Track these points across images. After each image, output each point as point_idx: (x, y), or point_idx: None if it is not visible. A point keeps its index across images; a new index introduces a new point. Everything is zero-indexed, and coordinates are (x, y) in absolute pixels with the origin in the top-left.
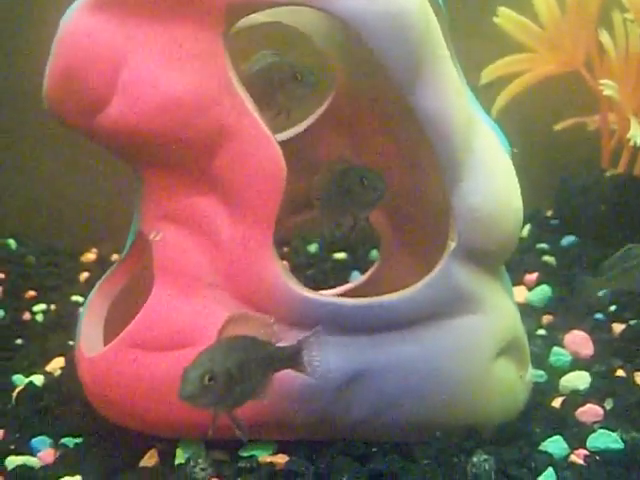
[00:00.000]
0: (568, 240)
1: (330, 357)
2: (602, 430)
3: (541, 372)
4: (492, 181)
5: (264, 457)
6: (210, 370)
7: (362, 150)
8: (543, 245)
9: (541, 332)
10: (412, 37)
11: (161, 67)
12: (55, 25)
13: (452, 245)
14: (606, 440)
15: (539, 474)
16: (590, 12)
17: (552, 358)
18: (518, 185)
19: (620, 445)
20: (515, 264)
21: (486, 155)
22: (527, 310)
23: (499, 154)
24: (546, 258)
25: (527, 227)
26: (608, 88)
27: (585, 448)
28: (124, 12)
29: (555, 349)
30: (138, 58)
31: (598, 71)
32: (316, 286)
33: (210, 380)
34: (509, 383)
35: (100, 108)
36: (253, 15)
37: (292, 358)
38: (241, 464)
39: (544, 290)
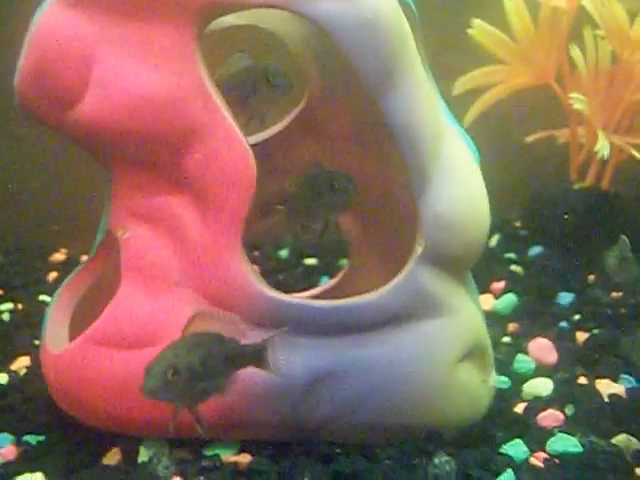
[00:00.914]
0: (535, 250)
1: (296, 358)
2: (562, 434)
3: (505, 378)
4: (459, 188)
5: (228, 456)
6: (173, 365)
7: (334, 154)
8: (511, 255)
9: (506, 339)
10: (385, 43)
11: (133, 65)
12: (27, 21)
13: (418, 250)
14: (565, 444)
15: (498, 475)
16: (562, 27)
17: (516, 365)
18: (485, 193)
19: (579, 449)
20: (483, 273)
21: (454, 162)
22: (493, 318)
23: (467, 162)
24: (513, 267)
25: (496, 237)
26: (577, 102)
27: (545, 451)
28: (97, 9)
29: (519, 356)
30: (110, 55)
31: (569, 85)
32: (286, 291)
33: (173, 375)
34: (472, 387)
35: (71, 104)
36: (229, 17)
37: (256, 356)
38: (204, 463)
39: (510, 298)
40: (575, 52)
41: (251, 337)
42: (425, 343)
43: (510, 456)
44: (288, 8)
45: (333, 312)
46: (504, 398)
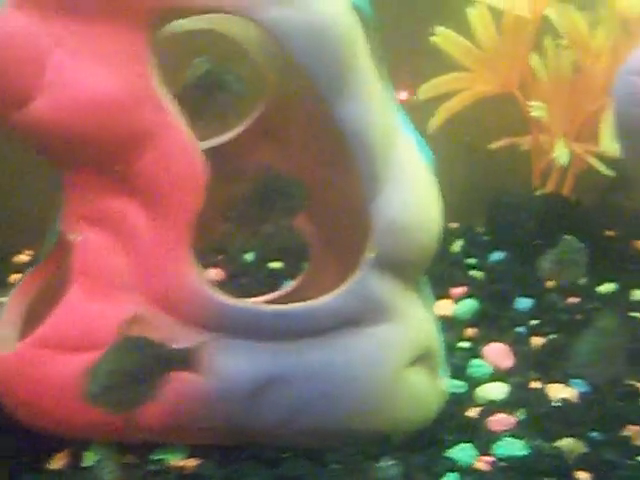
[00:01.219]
0: (497, 256)
1: (242, 362)
2: (510, 438)
3: (461, 382)
4: (411, 195)
5: (176, 461)
6: (108, 371)
7: (291, 159)
8: (472, 260)
9: (463, 344)
10: (336, 51)
11: (85, 68)
12: None
13: (369, 255)
14: (512, 447)
15: (441, 478)
16: (525, 36)
17: (472, 369)
18: (438, 199)
19: (525, 452)
20: (443, 278)
21: (406, 169)
22: (452, 323)
23: (420, 169)
24: (474, 273)
25: (459, 242)
26: (536, 109)
27: (492, 455)
28: (51, 12)
29: (475, 361)
30: (62, 57)
31: (531, 93)
32: (249, 295)
33: (108, 381)
34: (421, 392)
35: (22, 105)
36: (190, 22)
37: (188, 360)
38: (150, 467)
39: (470, 304)
40: (535, 60)
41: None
42: (374, 348)
43: (456, 460)
44: (239, 14)
45: (280, 317)
46: (457, 402)
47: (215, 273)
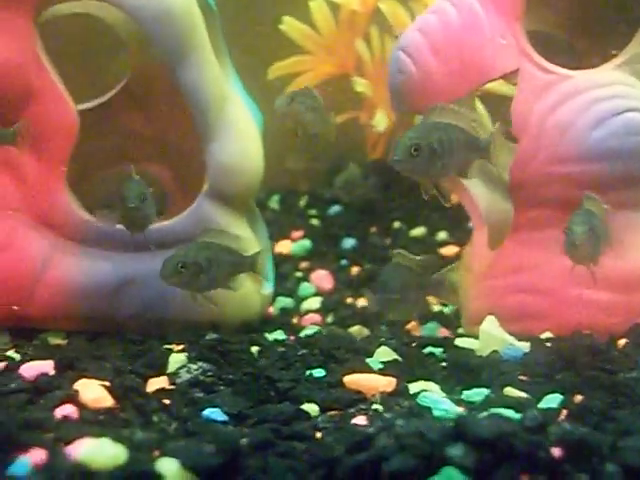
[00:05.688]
0: (334, 209)
1: (105, 266)
2: (312, 326)
3: (289, 299)
4: (238, 144)
5: (55, 341)
6: (183, 260)
7: (154, 120)
8: (313, 211)
9: (297, 274)
10: (178, 27)
11: None
12: None
13: (205, 188)
14: (312, 331)
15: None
16: (359, 25)
17: (300, 291)
18: (260, 148)
19: (319, 334)
20: (285, 224)
21: (236, 123)
22: (290, 258)
23: (248, 123)
24: (313, 221)
25: (305, 198)
26: (359, 85)
27: (296, 336)
28: None
29: (304, 284)
30: None
31: (365, 75)
32: None
33: (182, 267)
34: (247, 294)
35: None
36: (66, 6)
37: (252, 264)
38: (34, 342)
39: (305, 243)
40: (361, 46)
41: (71, 252)
42: None
43: (270, 338)
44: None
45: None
46: (285, 312)
47: None
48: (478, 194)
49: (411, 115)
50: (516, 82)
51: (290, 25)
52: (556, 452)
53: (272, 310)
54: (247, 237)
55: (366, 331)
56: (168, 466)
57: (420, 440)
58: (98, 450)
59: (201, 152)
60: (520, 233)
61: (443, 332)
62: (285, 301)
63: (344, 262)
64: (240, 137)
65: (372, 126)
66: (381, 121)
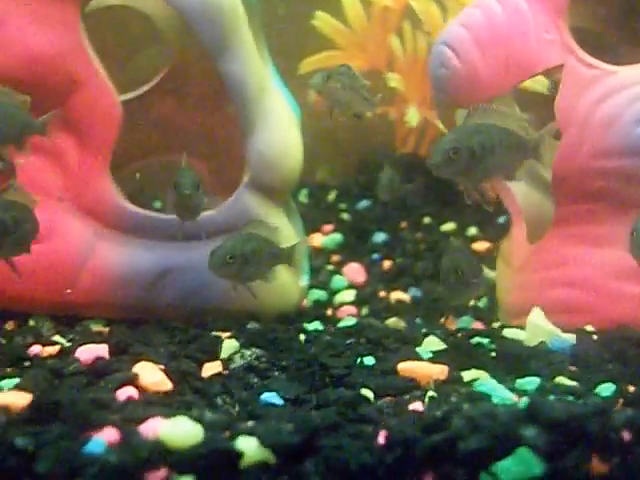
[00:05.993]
0: (364, 204)
1: (147, 255)
2: (349, 318)
3: (323, 292)
4: (277, 134)
5: (97, 328)
6: (231, 251)
7: (188, 111)
8: (343, 205)
9: (329, 267)
10: (222, 21)
11: (27, 28)
12: None
13: (245, 179)
14: (349, 322)
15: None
16: (391, 21)
17: (333, 283)
18: (300, 140)
19: (357, 326)
20: (317, 218)
21: (275, 115)
22: (322, 251)
23: (287, 115)
24: (343, 215)
25: (334, 192)
26: (392, 81)
27: (335, 327)
28: None
29: (336, 277)
30: (10, 20)
31: (397, 70)
32: None
33: (230, 258)
34: (284, 285)
35: None
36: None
37: (288, 256)
38: (77, 328)
39: (336, 237)
40: (394, 42)
41: (115, 240)
42: None
43: (308, 328)
44: None
45: (176, 224)
46: (318, 304)
47: None
48: (517, 189)
49: (452, 110)
50: (559, 77)
51: (323, 21)
52: (625, 435)
53: (305, 302)
54: (285, 229)
55: (402, 323)
56: (247, 444)
57: (493, 422)
58: (175, 428)
59: (238, 144)
60: (562, 227)
61: (477, 325)
62: (319, 293)
63: (375, 256)
64: (281, 129)
65: (404, 122)
66: (414, 117)
